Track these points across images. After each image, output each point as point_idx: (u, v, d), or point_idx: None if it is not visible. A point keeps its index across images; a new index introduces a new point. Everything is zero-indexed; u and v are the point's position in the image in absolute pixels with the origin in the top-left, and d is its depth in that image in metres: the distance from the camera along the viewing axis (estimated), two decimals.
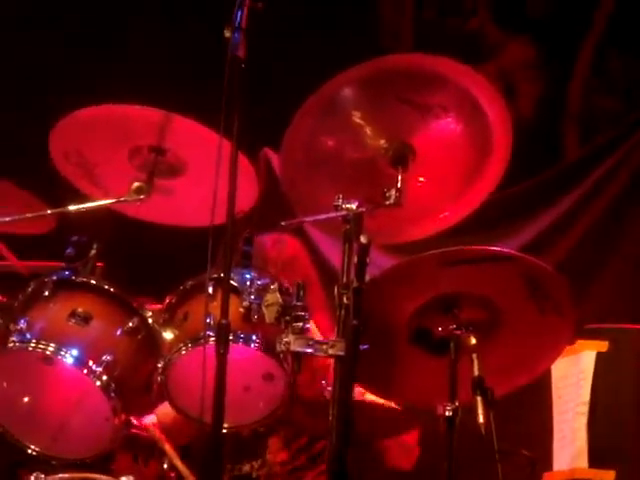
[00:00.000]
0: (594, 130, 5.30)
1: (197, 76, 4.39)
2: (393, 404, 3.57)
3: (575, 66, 5.30)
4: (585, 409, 3.89)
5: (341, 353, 2.79)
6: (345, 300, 2.82)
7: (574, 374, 3.94)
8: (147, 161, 3.37)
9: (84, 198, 3.40)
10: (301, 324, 3.02)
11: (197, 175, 3.39)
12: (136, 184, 3.35)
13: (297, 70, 4.64)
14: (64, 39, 5.20)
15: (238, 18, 2.79)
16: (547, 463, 4.10)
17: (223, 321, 2.69)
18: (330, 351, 2.81)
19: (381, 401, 3.50)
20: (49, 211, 3.42)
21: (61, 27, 5.22)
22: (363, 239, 2.82)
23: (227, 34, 2.78)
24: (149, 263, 4.74)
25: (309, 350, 2.87)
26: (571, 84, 5.31)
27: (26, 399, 3.21)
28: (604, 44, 5.22)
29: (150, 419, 3.58)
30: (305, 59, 4.94)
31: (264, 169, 4.83)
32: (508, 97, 5.27)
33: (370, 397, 3.46)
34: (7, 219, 3.46)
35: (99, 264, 3.45)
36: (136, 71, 4.87)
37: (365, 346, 2.84)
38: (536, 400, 4.13)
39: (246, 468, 3.73)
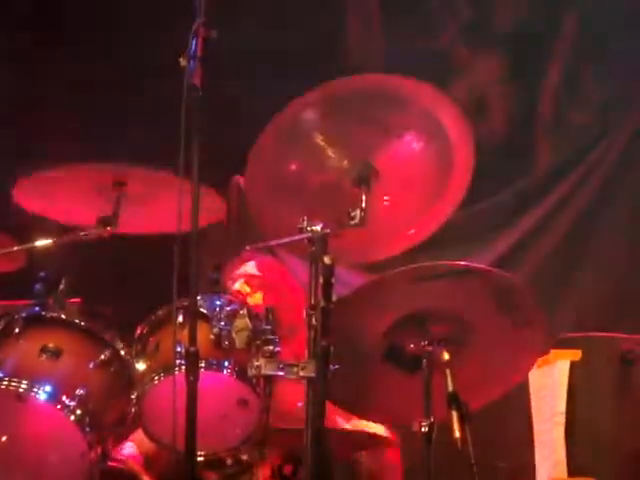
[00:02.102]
0: (567, 144, 5.33)
1: (154, 106, 4.40)
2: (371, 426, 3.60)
3: (545, 81, 5.33)
4: (562, 419, 3.89)
5: (312, 374, 2.80)
6: (314, 321, 2.84)
7: (550, 384, 3.94)
8: (111, 194, 3.39)
9: (51, 232, 3.41)
10: (271, 347, 3.04)
11: (160, 205, 3.41)
12: (102, 216, 3.36)
13: (265, 95, 4.65)
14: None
15: (193, 46, 2.81)
16: (530, 474, 4.10)
17: (191, 348, 2.70)
18: (301, 373, 2.82)
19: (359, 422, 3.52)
20: (15, 247, 3.43)
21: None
22: (327, 260, 2.83)
23: (183, 63, 2.79)
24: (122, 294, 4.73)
25: (280, 373, 2.87)
26: (542, 99, 5.34)
27: (0, 437, 3.20)
28: (574, 59, 5.26)
29: (128, 447, 3.57)
30: (274, 83, 4.96)
31: (236, 197, 4.84)
32: (480, 113, 5.30)
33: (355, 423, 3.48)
34: None
35: (76, 300, 3.45)
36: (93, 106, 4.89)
37: (336, 366, 2.85)
38: (518, 412, 4.14)
39: None
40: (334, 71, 3.20)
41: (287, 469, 3.69)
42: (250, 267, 4.02)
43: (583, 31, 5.18)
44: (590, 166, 4.94)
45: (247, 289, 3.93)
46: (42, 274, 3.32)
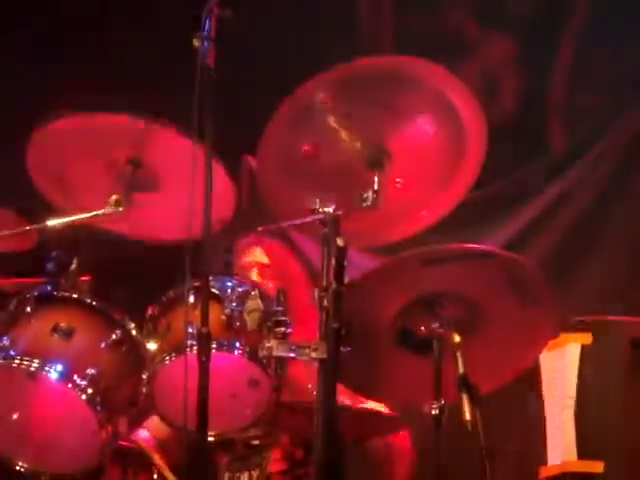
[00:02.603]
0: (579, 125, 5.30)
1: (168, 86, 4.39)
2: (378, 407, 3.60)
3: (557, 61, 5.31)
4: (572, 402, 3.89)
5: (323, 356, 2.80)
6: (325, 303, 2.84)
7: (560, 368, 3.94)
8: (123, 174, 3.38)
9: (61, 212, 3.41)
10: (283, 329, 3.04)
11: (173, 188, 3.40)
12: (115, 196, 3.36)
13: (278, 77, 4.64)
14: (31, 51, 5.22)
15: (207, 27, 2.81)
16: (543, 457, 4.10)
17: (203, 329, 2.70)
18: (312, 354, 2.82)
19: (367, 404, 3.52)
20: (27, 227, 3.43)
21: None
22: (340, 242, 2.83)
23: (196, 43, 2.79)
24: (133, 275, 4.74)
25: (292, 354, 2.88)
26: (554, 79, 5.32)
27: (12, 415, 3.22)
28: (586, 40, 5.23)
29: (142, 434, 3.59)
30: (285, 65, 4.95)
31: (247, 177, 4.83)
32: (491, 93, 5.28)
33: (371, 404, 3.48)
34: None
35: (86, 278, 3.46)
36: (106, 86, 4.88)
37: (347, 348, 2.85)
38: (529, 395, 4.14)
39: (244, 477, 3.73)
40: (346, 53, 3.19)
41: (298, 454, 3.70)
42: (259, 254, 4.02)
43: (596, 11, 5.15)
44: (603, 149, 4.93)
45: (260, 280, 3.93)
46: (54, 253, 3.33)
